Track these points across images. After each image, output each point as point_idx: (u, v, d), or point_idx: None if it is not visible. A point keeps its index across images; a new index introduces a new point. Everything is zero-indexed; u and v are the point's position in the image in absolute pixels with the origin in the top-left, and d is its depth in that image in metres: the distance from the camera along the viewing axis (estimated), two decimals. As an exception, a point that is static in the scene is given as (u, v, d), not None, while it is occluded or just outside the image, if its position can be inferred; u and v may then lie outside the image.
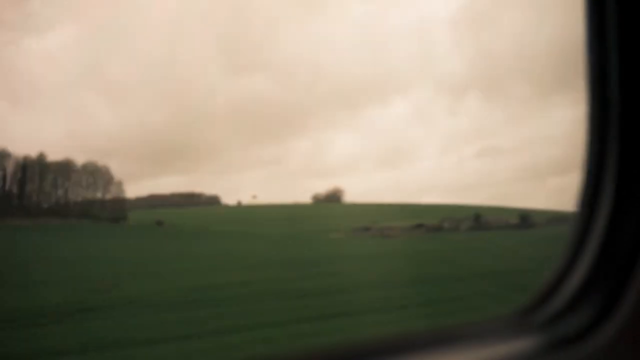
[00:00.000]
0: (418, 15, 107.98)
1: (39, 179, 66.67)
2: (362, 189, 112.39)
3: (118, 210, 70.43)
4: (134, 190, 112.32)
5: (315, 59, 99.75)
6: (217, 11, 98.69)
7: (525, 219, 64.74)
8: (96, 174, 71.38)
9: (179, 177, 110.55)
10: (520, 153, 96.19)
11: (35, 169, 66.84)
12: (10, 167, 64.36)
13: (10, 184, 64.61)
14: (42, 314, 18.20)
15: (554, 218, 71.89)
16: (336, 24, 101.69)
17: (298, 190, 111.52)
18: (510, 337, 2.07)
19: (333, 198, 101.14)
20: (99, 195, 70.95)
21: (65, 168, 69.34)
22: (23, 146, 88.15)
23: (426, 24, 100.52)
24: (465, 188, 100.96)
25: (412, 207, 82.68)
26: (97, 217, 66.60)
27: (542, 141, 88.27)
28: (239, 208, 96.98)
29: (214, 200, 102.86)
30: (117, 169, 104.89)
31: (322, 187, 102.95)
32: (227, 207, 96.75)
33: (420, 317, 17.05)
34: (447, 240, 55.13)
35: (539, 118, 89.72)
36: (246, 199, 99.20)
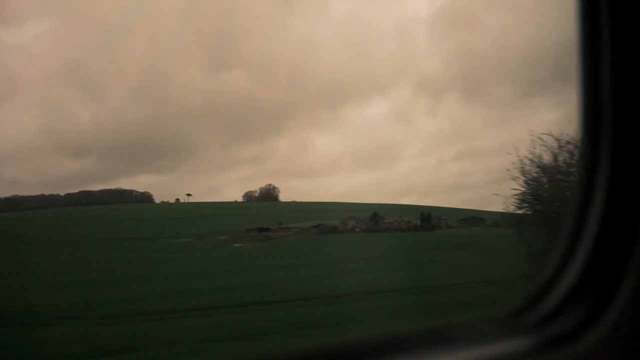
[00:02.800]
0: (399, 15, 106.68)
1: None
2: (343, 189, 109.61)
3: None
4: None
5: (296, 57, 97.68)
6: (197, 7, 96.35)
7: (426, 220, 60.39)
8: None
9: (158, 176, 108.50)
10: (500, 155, 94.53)
11: None
12: None
13: None
14: None
15: (470, 219, 67.52)
16: (317, 23, 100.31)
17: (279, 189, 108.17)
18: (502, 338, 2.11)
19: (269, 196, 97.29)
20: None
21: None
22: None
23: (407, 23, 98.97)
24: (444, 190, 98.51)
25: (345, 206, 78.73)
26: None
27: (523, 144, 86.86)
28: (149, 207, 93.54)
29: (145, 198, 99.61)
30: (94, 167, 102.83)
31: (301, 186, 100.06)
32: (145, 206, 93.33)
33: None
34: (319, 242, 51.88)
35: (519, 120, 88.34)
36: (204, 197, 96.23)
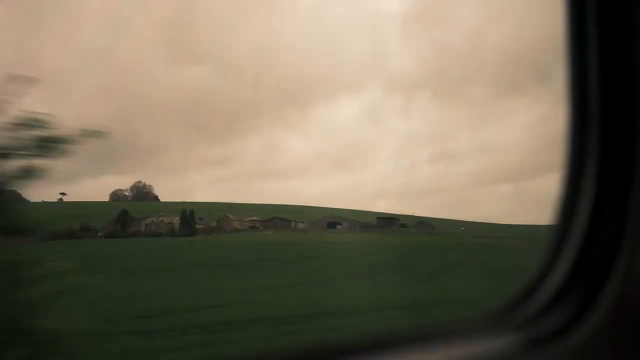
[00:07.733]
0: (370, 10, 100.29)
1: None
2: (314, 192, 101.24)
3: None
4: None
5: (263, 53, 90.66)
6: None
7: (187, 222, 48.66)
8: None
9: (121, 177, 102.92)
10: (474, 158, 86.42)
11: None
12: None
13: None
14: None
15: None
16: (285, 17, 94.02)
17: (245, 192, 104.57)
18: (490, 336, 2.11)
19: (140, 196, 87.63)
20: None
21: None
22: None
23: (378, 19, 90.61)
24: (417, 194, 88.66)
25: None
26: None
27: (497, 147, 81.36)
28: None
29: (16, 197, 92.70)
30: (53, 168, 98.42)
31: (272, 189, 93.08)
32: None
33: None
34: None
35: (494, 122, 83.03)
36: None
